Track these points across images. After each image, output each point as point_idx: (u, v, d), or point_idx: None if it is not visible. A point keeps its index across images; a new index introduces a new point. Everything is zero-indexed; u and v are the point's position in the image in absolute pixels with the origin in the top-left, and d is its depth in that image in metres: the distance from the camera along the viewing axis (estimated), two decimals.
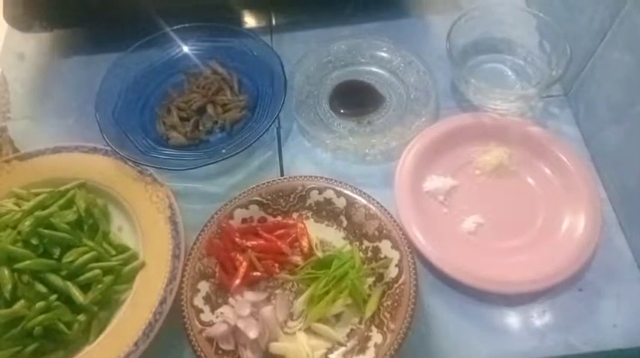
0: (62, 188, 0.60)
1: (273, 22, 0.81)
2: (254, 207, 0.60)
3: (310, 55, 0.73)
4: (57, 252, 0.54)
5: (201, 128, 0.69)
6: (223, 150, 0.64)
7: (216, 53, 0.74)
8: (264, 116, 0.67)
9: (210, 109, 0.70)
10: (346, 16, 0.79)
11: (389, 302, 0.53)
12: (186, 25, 0.73)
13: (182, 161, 0.65)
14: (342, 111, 0.70)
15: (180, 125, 0.69)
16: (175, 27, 0.73)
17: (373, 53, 0.74)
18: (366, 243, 0.58)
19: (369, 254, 0.57)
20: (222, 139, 0.68)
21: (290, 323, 0.54)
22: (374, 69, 0.74)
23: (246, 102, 0.70)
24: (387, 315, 0.52)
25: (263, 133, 0.63)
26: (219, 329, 0.52)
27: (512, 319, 0.55)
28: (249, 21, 0.82)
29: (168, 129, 0.69)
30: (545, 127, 0.67)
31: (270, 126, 0.64)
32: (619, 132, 0.60)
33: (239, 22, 0.81)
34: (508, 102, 0.66)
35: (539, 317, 0.55)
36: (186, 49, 0.74)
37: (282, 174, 0.66)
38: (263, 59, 0.71)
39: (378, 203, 0.58)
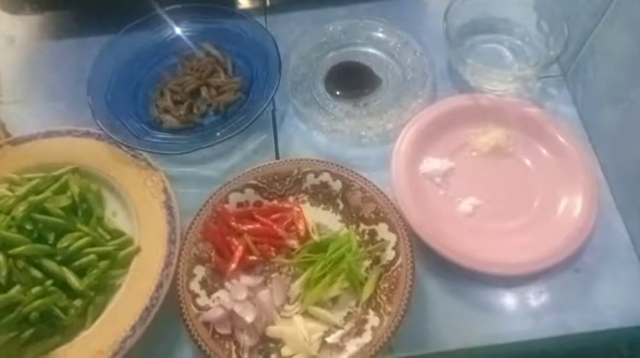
0: (55, 173, 0.60)
1: (268, 2, 0.80)
2: (249, 191, 0.59)
3: (305, 36, 0.72)
4: (51, 237, 0.54)
5: (195, 111, 0.68)
6: (218, 133, 0.63)
7: (209, 35, 0.72)
8: (259, 98, 0.66)
9: (204, 92, 0.69)
10: None
11: (386, 285, 0.53)
12: (179, 6, 0.71)
13: (176, 144, 0.65)
14: (337, 92, 0.69)
15: (174, 108, 0.68)
16: (168, 8, 0.71)
17: (369, 34, 0.73)
18: (362, 226, 0.57)
19: (366, 237, 0.57)
20: (217, 122, 0.67)
21: (287, 307, 0.54)
22: (370, 50, 0.73)
23: (240, 84, 0.69)
24: (384, 298, 0.52)
25: (258, 116, 0.63)
26: (215, 313, 0.52)
27: (509, 300, 0.55)
28: (243, 1, 0.81)
29: (162, 113, 0.68)
30: (542, 108, 0.66)
31: (265, 108, 0.63)
32: (617, 112, 0.60)
33: (233, 2, 0.80)
34: (506, 83, 0.65)
35: (536, 298, 0.55)
36: (178, 30, 0.73)
37: (277, 158, 0.65)
38: (257, 40, 0.69)
39: (374, 185, 0.58)
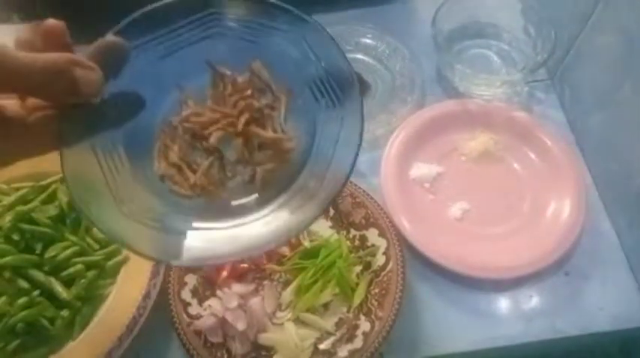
0: (43, 182, 0.59)
1: None
2: None
3: None
4: (39, 247, 0.53)
5: (216, 174, 0.39)
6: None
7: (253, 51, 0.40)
8: (320, 171, 0.36)
9: (236, 149, 0.38)
10: (331, 2, 0.78)
11: (377, 290, 0.53)
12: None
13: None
14: None
15: (186, 163, 0.38)
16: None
17: (358, 40, 0.73)
18: (353, 232, 0.57)
19: (357, 242, 0.57)
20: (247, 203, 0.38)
21: (278, 314, 0.54)
22: (359, 56, 0.73)
23: (296, 141, 0.38)
24: (375, 303, 0.52)
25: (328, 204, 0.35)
26: (207, 321, 0.52)
27: (499, 304, 0.56)
28: None
29: (168, 167, 0.39)
30: (530, 112, 0.67)
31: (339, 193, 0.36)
32: (604, 116, 0.60)
33: None
34: (494, 87, 0.66)
35: (526, 301, 0.56)
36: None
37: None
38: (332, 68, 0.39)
39: (364, 191, 0.58)
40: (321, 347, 0.52)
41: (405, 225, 0.57)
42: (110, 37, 0.34)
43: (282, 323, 0.53)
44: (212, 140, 0.38)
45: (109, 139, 0.36)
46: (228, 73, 0.40)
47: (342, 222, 0.58)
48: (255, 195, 0.38)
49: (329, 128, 0.38)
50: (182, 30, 0.39)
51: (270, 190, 0.38)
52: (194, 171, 0.38)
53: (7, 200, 0.56)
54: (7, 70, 0.27)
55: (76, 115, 0.32)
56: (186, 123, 0.39)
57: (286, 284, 0.55)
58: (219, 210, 0.38)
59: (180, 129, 0.39)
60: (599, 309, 0.55)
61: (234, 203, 0.38)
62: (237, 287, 0.55)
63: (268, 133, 0.38)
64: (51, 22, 0.31)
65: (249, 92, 0.39)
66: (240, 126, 0.38)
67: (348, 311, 0.54)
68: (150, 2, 0.39)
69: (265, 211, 0.37)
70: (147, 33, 0.38)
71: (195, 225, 0.36)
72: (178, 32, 0.39)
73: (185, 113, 0.39)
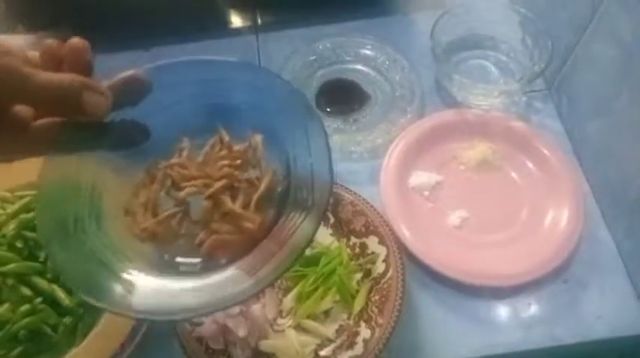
0: None
1: (259, 21, 0.81)
2: None
3: (295, 55, 0.73)
4: (42, 254, 0.54)
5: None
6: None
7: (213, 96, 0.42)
8: (302, 199, 0.38)
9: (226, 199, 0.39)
10: (331, 14, 0.79)
11: (377, 298, 0.53)
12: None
13: None
14: (328, 109, 0.70)
15: (152, 207, 0.39)
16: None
17: (358, 51, 0.74)
18: (353, 240, 0.58)
19: (357, 250, 0.57)
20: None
21: (279, 321, 0.54)
22: (359, 67, 0.74)
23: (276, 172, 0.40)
24: (375, 310, 0.53)
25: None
26: (208, 328, 0.52)
27: (498, 312, 0.56)
28: (235, 20, 0.82)
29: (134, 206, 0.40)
30: (528, 122, 0.67)
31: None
32: (601, 125, 0.61)
33: (224, 22, 0.81)
34: (492, 97, 0.67)
35: (525, 309, 0.56)
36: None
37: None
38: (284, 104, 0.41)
39: (364, 199, 0.58)
40: (322, 353, 0.52)
41: (405, 232, 0.57)
42: (135, 71, 0.36)
43: (283, 330, 0.54)
44: (183, 193, 0.39)
45: (101, 159, 0.38)
46: (227, 138, 0.41)
47: (342, 229, 0.59)
48: (198, 259, 0.38)
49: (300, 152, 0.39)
50: (213, 85, 0.41)
51: (217, 260, 0.38)
52: (155, 216, 0.39)
53: (11, 208, 0.57)
54: (26, 87, 0.30)
55: (79, 128, 0.33)
56: (170, 170, 0.40)
57: (287, 291, 0.56)
58: (164, 265, 0.38)
59: (162, 173, 0.40)
60: (598, 317, 0.55)
61: (179, 259, 0.38)
62: None
63: (235, 206, 0.39)
64: (76, 40, 0.34)
65: (239, 162, 0.40)
66: (212, 190, 0.39)
67: (348, 318, 0.54)
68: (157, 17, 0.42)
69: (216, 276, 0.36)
70: (183, 77, 0.40)
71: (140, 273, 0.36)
72: (209, 85, 0.41)
73: (173, 161, 0.41)
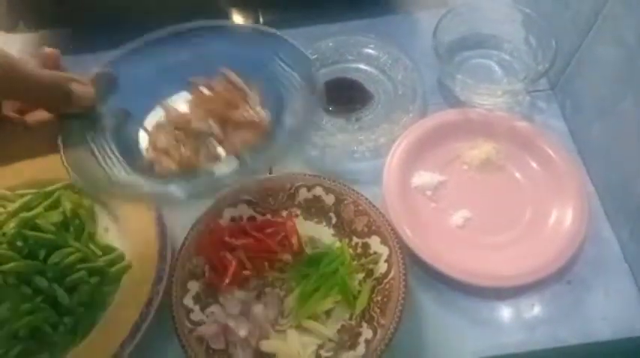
0: (48, 189, 0.60)
1: (261, 20, 0.81)
2: (243, 206, 0.59)
3: None
4: (42, 253, 0.54)
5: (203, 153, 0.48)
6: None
7: (229, 59, 0.51)
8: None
9: (214, 128, 0.48)
10: (333, 13, 0.79)
11: (379, 298, 0.53)
12: (189, 25, 0.54)
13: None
14: (330, 108, 0.70)
15: (174, 146, 0.48)
16: (171, 28, 0.54)
17: (360, 50, 0.74)
18: (355, 240, 0.57)
19: (359, 250, 0.57)
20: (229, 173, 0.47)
21: (281, 321, 0.54)
22: (361, 66, 0.74)
23: (269, 121, 0.48)
24: (377, 310, 0.52)
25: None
26: (209, 328, 0.52)
27: (502, 312, 0.56)
28: (237, 19, 0.82)
29: (158, 154, 0.47)
30: (532, 122, 0.67)
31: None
32: (605, 125, 0.61)
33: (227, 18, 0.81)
34: (495, 97, 0.66)
35: (528, 310, 0.55)
36: (187, 54, 0.52)
37: (270, 172, 0.66)
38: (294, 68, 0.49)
39: (366, 199, 0.58)
40: (323, 354, 0.52)
41: (407, 232, 0.57)
42: (102, 69, 0.47)
43: (284, 330, 0.53)
44: (194, 124, 0.47)
45: (102, 139, 0.45)
46: (202, 79, 0.49)
47: (344, 229, 0.58)
48: (236, 165, 0.45)
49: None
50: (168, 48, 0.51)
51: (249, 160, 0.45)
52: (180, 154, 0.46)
53: (12, 206, 0.57)
54: (23, 81, 0.36)
55: (73, 122, 0.41)
56: (172, 118, 0.48)
57: (288, 291, 0.55)
58: (204, 185, 0.46)
59: (167, 124, 0.48)
60: (602, 318, 0.55)
61: (218, 173, 0.45)
62: (240, 294, 0.55)
63: (243, 114, 0.47)
64: (50, 50, 0.41)
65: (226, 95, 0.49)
66: (218, 112, 0.47)
67: (350, 319, 0.54)
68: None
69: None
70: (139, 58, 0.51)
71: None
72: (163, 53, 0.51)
73: (171, 114, 0.48)
